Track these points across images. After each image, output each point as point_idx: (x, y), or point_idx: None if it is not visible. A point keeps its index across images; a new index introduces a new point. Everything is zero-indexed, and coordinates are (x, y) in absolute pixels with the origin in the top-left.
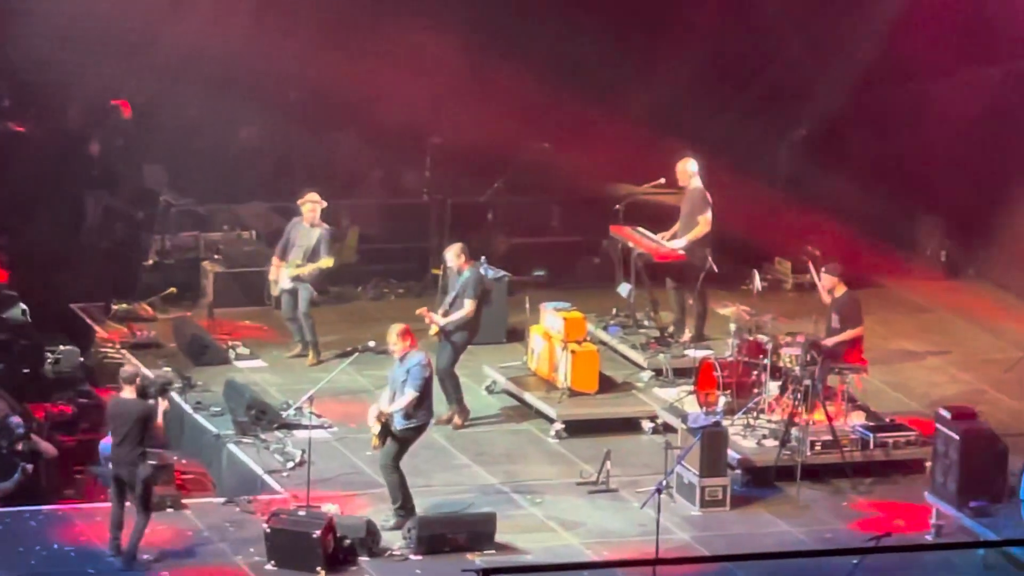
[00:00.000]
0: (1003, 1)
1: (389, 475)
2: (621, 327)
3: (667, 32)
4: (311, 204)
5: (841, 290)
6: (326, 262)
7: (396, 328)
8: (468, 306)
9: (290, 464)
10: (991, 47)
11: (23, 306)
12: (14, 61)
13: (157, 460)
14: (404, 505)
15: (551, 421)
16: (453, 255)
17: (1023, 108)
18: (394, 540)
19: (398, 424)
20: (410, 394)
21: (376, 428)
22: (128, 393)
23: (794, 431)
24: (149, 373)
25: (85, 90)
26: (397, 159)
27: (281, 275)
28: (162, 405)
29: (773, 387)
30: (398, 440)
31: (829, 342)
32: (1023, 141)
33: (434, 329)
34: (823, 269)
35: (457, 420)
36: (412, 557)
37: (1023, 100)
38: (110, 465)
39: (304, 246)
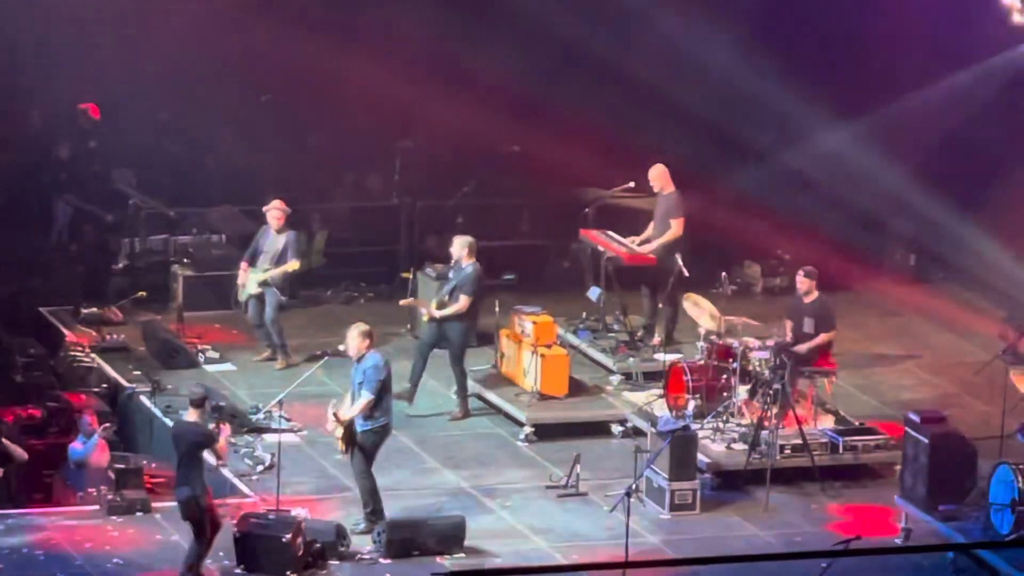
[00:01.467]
0: (970, 5)
1: (363, 481)
2: (591, 331)
3: (639, 36)
4: (276, 211)
5: (814, 294)
6: (292, 265)
7: (357, 328)
8: (462, 302)
9: (259, 468)
10: (958, 52)
11: None
12: None
13: (125, 464)
14: (375, 509)
15: (521, 424)
16: (460, 246)
17: (991, 110)
18: (364, 544)
19: (359, 427)
20: (366, 397)
21: (338, 431)
22: (191, 416)
23: (763, 435)
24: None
25: (55, 93)
26: (367, 163)
27: (248, 280)
28: (225, 431)
29: (743, 391)
30: (364, 444)
31: (803, 348)
32: (989, 144)
33: (426, 316)
34: (800, 272)
35: (456, 413)
36: (382, 561)
37: (990, 102)
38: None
39: (272, 252)
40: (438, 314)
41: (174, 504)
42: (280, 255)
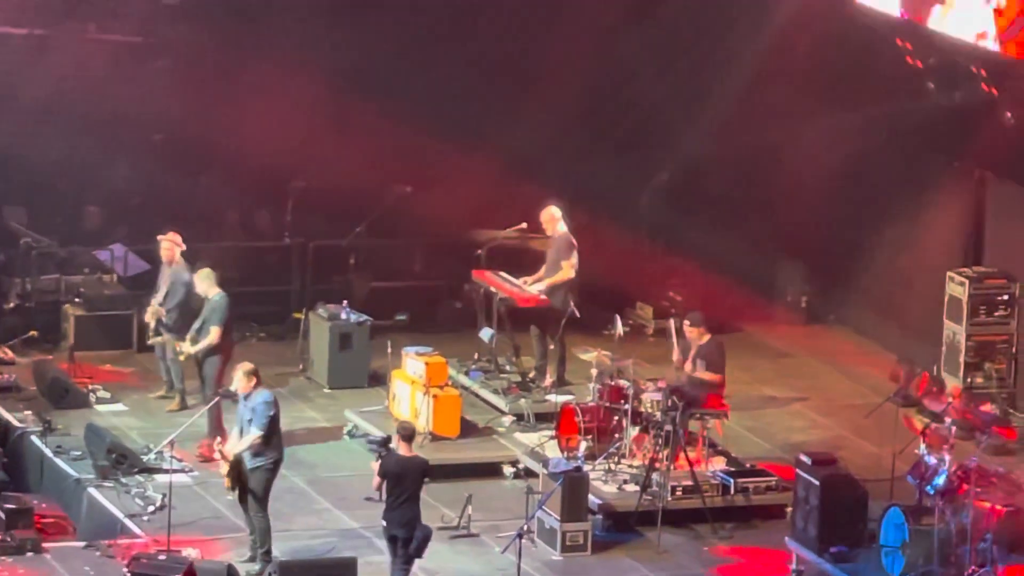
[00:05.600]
0: (864, 48)
1: (258, 519)
2: (483, 372)
3: (531, 77)
4: (166, 243)
5: (706, 337)
6: (155, 310)
7: (242, 368)
8: (212, 333)
9: (151, 508)
10: (851, 93)
11: None
12: None
13: (16, 504)
14: (268, 549)
15: None
16: (202, 279)
17: (882, 154)
18: None
19: (249, 464)
20: (254, 433)
21: (224, 468)
22: (404, 450)
23: (655, 476)
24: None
25: None
26: (260, 202)
27: (152, 317)
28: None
29: (634, 432)
30: (255, 482)
31: (688, 367)
32: (881, 187)
33: (183, 355)
34: (684, 321)
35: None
36: None
37: (883, 146)
38: (384, 524)
39: (163, 287)
40: (193, 350)
41: (65, 544)
42: (169, 290)
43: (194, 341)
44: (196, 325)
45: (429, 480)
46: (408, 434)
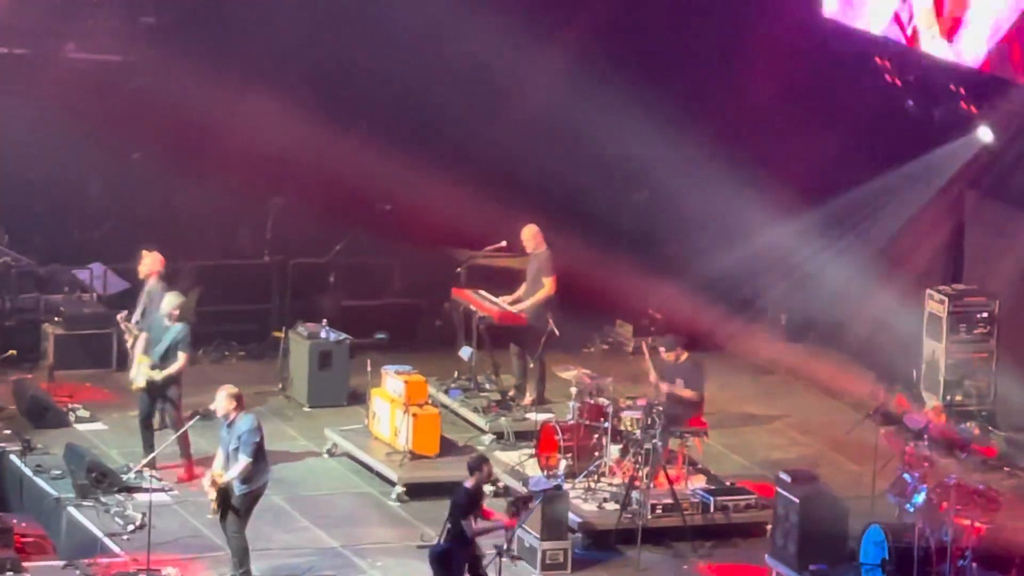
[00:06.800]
0: (839, 66)
1: (236, 540)
2: (462, 390)
3: (509, 95)
4: (148, 259)
5: (683, 356)
6: (139, 337)
7: (226, 390)
8: (182, 360)
9: (130, 527)
10: (830, 110)
11: None
12: None
13: None
14: (247, 570)
15: (392, 484)
16: (169, 305)
17: (860, 170)
18: None
19: (238, 490)
20: (244, 461)
21: (212, 493)
22: (468, 481)
23: (635, 494)
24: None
25: None
26: (239, 220)
27: (130, 335)
28: (495, 521)
29: (614, 450)
30: (240, 506)
31: (664, 388)
32: (860, 204)
33: (140, 383)
34: (660, 348)
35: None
36: None
37: (858, 163)
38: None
39: (142, 305)
40: (159, 376)
41: (45, 563)
42: (149, 307)
43: (155, 366)
44: (160, 351)
45: (459, 515)
46: (467, 465)
